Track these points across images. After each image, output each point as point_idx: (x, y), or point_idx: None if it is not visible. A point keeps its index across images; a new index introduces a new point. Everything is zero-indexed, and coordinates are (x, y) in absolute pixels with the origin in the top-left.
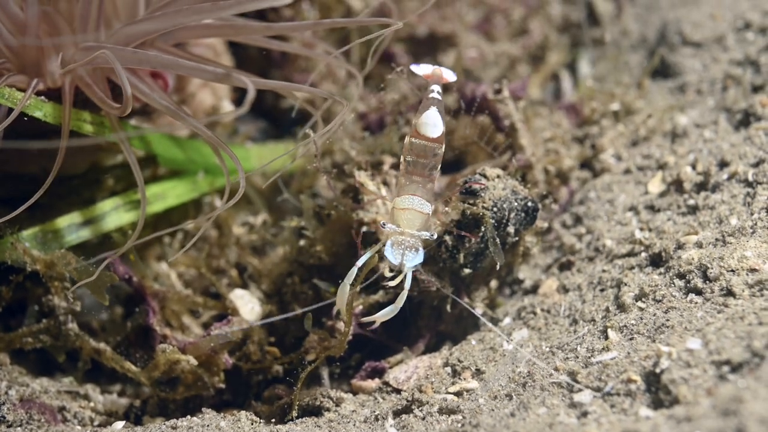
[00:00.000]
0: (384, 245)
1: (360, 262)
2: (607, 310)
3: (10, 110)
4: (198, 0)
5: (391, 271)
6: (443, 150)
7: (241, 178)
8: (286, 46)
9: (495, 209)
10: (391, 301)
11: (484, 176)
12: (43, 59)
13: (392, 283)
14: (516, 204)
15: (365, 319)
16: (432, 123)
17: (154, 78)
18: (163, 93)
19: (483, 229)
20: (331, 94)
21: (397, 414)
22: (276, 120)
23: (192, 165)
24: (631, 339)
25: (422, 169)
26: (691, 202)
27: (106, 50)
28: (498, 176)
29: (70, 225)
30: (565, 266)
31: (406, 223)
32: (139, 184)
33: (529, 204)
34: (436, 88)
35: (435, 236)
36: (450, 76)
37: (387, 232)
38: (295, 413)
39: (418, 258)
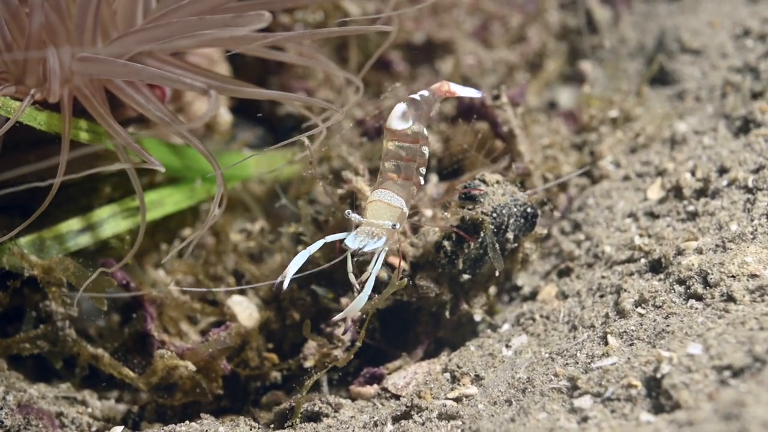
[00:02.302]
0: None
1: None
2: (607, 316)
3: (8, 118)
4: (193, 12)
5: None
6: (424, 152)
7: (219, 182)
8: (282, 56)
9: (494, 215)
10: (390, 307)
11: (484, 182)
12: (42, 69)
13: (361, 278)
14: (515, 210)
15: (336, 318)
16: (397, 115)
17: (152, 88)
18: (159, 103)
19: (482, 234)
20: (323, 102)
21: (396, 420)
22: (273, 127)
23: (189, 172)
24: (631, 345)
25: (405, 172)
26: (691, 208)
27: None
28: (497, 182)
29: (68, 232)
30: (564, 273)
31: (371, 213)
32: (138, 192)
33: (529, 210)
34: (420, 92)
35: (398, 226)
36: (460, 91)
37: (352, 222)
38: (298, 420)
39: (378, 243)
